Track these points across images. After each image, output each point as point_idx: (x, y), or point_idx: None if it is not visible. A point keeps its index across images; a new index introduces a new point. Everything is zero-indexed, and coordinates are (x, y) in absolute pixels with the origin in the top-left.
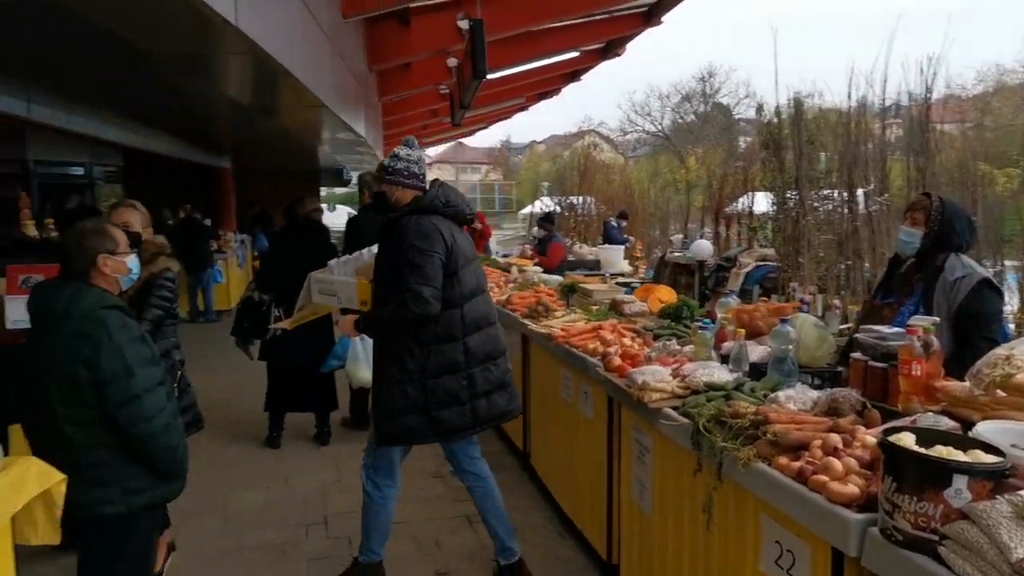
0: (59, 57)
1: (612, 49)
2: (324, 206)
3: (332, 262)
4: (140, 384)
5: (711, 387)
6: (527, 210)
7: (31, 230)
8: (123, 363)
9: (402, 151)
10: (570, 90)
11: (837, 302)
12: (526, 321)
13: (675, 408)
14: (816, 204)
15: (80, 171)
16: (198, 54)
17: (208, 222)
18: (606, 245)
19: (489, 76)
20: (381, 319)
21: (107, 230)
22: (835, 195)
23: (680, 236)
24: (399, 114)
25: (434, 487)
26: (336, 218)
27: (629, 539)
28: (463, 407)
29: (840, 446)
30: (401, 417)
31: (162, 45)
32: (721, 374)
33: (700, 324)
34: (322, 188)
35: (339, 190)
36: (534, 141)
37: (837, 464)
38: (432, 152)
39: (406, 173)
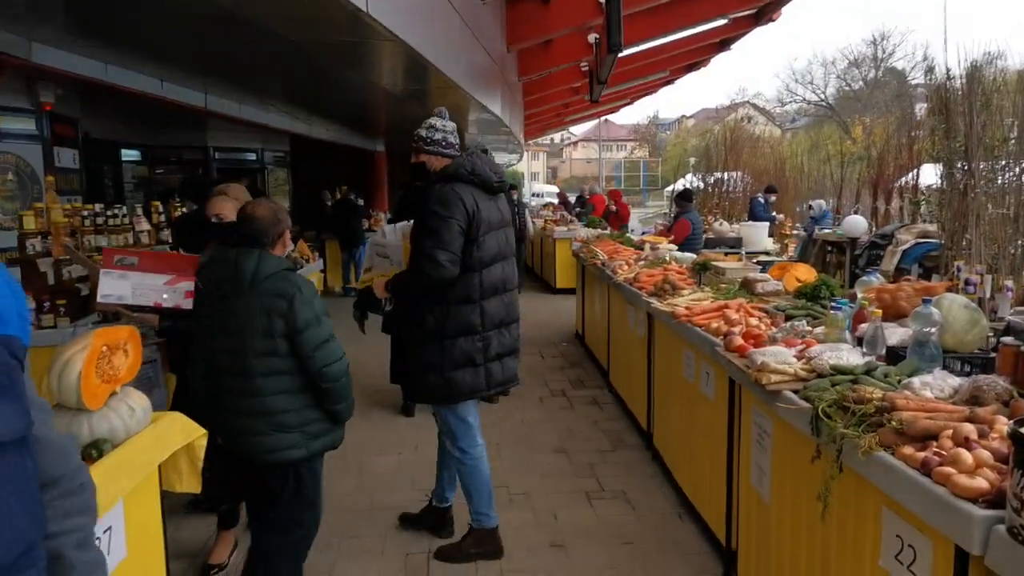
0: (231, 54)
1: (766, 14)
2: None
3: (387, 226)
4: (327, 330)
5: (838, 370)
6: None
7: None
8: (314, 312)
9: (437, 122)
10: (722, 61)
11: (1009, 283)
12: (651, 299)
13: (796, 391)
14: (991, 175)
15: (253, 156)
16: (340, 42)
17: (361, 202)
18: (750, 222)
19: (630, 50)
20: (401, 282)
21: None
22: (1013, 165)
23: (820, 202)
24: (539, 93)
25: (555, 461)
26: None
27: (747, 525)
28: (477, 369)
29: (973, 436)
30: (423, 377)
31: (311, 36)
32: (851, 357)
33: (834, 304)
34: None
35: None
36: (683, 116)
37: (966, 456)
38: (576, 131)
39: (444, 143)
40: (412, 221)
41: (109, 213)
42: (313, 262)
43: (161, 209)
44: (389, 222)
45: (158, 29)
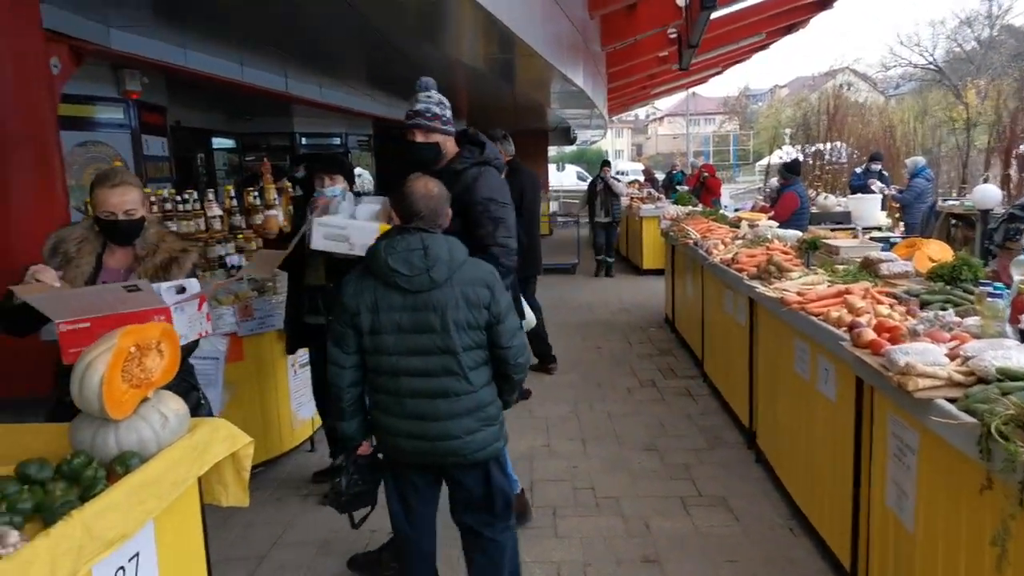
0: (308, 33)
1: None
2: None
3: (345, 203)
4: (517, 317)
5: (1007, 375)
6: (764, 161)
7: (271, 193)
8: (508, 299)
9: (437, 95)
10: (820, 27)
11: None
12: (753, 283)
13: (952, 400)
14: None
15: (337, 141)
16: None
17: None
18: (859, 195)
19: (724, 10)
20: None
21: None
22: None
23: (914, 159)
24: (623, 63)
25: (646, 461)
26: (565, 177)
27: (883, 553)
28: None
29: None
30: None
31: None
32: (1021, 358)
33: (990, 289)
34: (551, 147)
35: (568, 149)
36: (776, 86)
37: None
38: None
39: (450, 120)
40: (378, 201)
41: (179, 199)
42: None
43: (233, 194)
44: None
45: (234, 9)
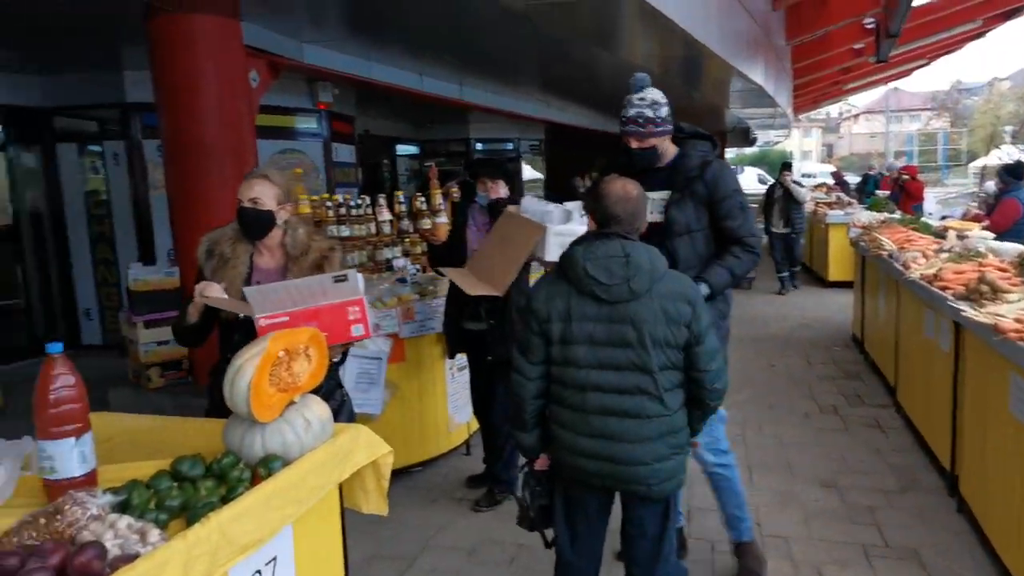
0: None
1: None
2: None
3: (557, 210)
4: (716, 339)
5: None
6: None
7: (436, 199)
8: (709, 318)
9: (657, 94)
10: None
11: None
12: (959, 305)
13: None
14: None
15: (510, 146)
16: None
17: None
18: None
19: None
20: (737, 271)
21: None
22: None
23: None
24: (812, 57)
25: (823, 498)
26: (744, 180)
27: None
28: None
29: None
30: None
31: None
32: None
33: None
34: (729, 149)
35: (748, 150)
36: (996, 79)
37: None
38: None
39: (665, 119)
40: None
41: (352, 204)
42: None
43: (402, 199)
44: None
45: (415, 22)
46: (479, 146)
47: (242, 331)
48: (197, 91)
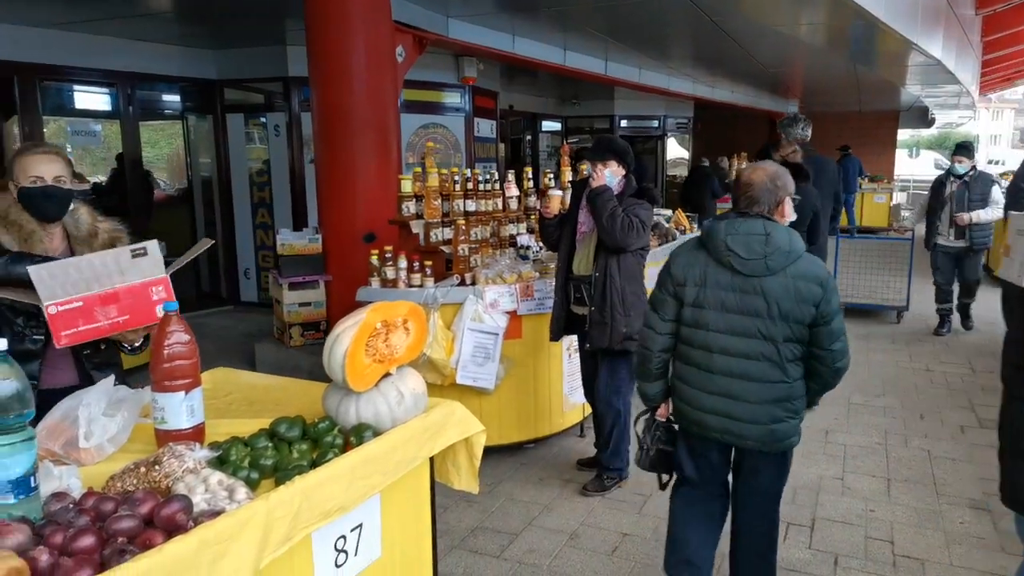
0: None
1: None
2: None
3: None
4: (843, 321)
5: None
6: None
7: (567, 176)
8: (838, 300)
9: None
10: None
11: None
12: None
13: None
14: None
15: (655, 123)
16: None
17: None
18: None
19: None
20: None
21: (787, 173)
22: None
23: None
24: (1006, 29)
25: (972, 522)
26: (918, 165)
27: None
28: None
29: None
30: None
31: None
32: None
33: None
34: (903, 130)
35: (924, 132)
36: None
37: None
38: None
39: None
40: None
41: (481, 178)
42: (691, 231)
43: (530, 175)
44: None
45: None
46: (623, 123)
47: (27, 314)
48: (346, 65)
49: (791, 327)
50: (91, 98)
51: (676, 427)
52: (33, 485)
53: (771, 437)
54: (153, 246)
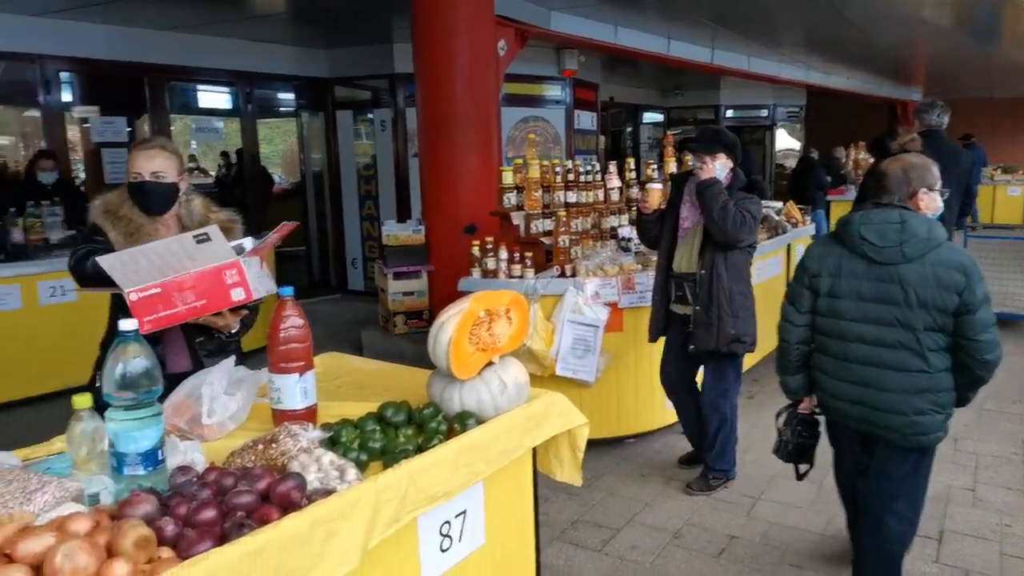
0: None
1: None
2: None
3: None
4: (992, 312)
5: None
6: None
7: (670, 167)
8: (984, 290)
9: None
10: None
11: None
12: None
13: None
14: None
15: (764, 113)
16: None
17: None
18: None
19: None
20: None
21: (930, 166)
22: None
23: None
24: None
25: None
26: None
27: None
28: None
29: None
30: None
31: None
32: None
33: None
34: None
35: None
36: None
37: None
38: None
39: None
40: None
41: (582, 169)
42: (803, 224)
43: (632, 166)
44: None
45: None
46: (729, 113)
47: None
48: (449, 60)
49: (932, 315)
50: (213, 97)
51: (818, 419)
52: (160, 458)
53: (913, 429)
54: (215, 231)
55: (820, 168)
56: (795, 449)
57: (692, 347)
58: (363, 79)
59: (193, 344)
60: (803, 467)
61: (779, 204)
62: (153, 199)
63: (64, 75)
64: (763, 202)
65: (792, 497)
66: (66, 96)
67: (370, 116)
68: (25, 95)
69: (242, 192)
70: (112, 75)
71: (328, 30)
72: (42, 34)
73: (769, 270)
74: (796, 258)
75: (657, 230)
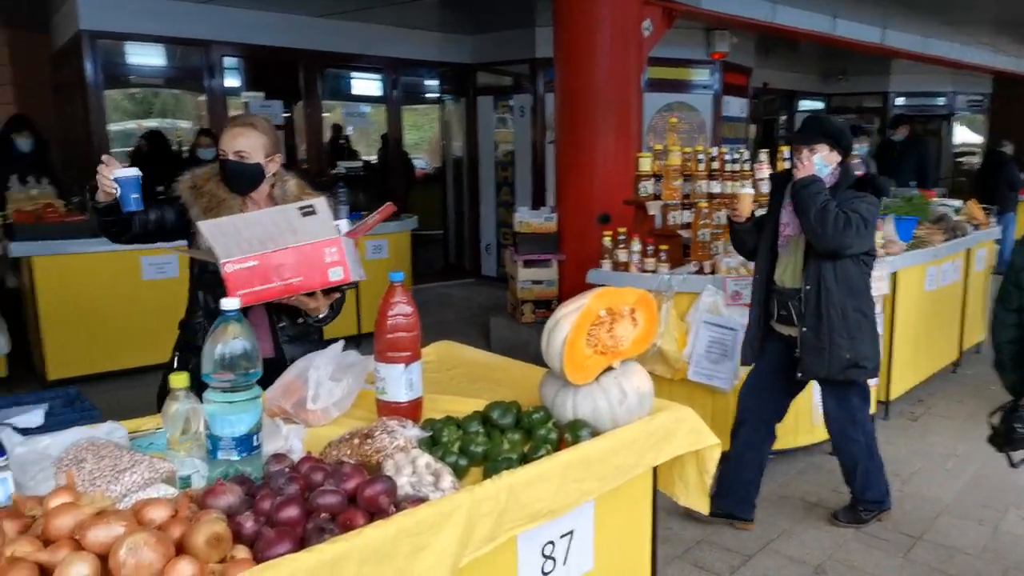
0: None
1: None
2: None
3: None
4: None
5: None
6: None
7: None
8: None
9: None
10: None
11: None
12: None
13: None
14: None
15: (941, 101)
16: None
17: None
18: None
19: None
20: None
21: None
22: None
23: None
24: None
25: None
26: None
27: None
28: None
29: None
30: None
31: None
32: None
33: None
34: None
35: None
36: None
37: None
38: None
39: None
40: None
41: (728, 157)
42: (986, 227)
43: (786, 155)
44: None
45: None
46: (900, 101)
47: (204, 285)
48: (590, 40)
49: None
50: (363, 84)
51: None
52: (255, 444)
53: None
54: (322, 204)
55: (1013, 164)
56: (1010, 441)
57: (800, 375)
58: (505, 64)
59: (275, 328)
60: (1018, 455)
61: (958, 203)
62: (232, 178)
63: (228, 60)
64: (940, 201)
65: (960, 541)
66: (228, 81)
67: (510, 102)
68: (194, 79)
69: (385, 176)
70: (270, 61)
71: (473, 14)
72: (210, 20)
73: (945, 276)
74: (976, 264)
75: (754, 240)
